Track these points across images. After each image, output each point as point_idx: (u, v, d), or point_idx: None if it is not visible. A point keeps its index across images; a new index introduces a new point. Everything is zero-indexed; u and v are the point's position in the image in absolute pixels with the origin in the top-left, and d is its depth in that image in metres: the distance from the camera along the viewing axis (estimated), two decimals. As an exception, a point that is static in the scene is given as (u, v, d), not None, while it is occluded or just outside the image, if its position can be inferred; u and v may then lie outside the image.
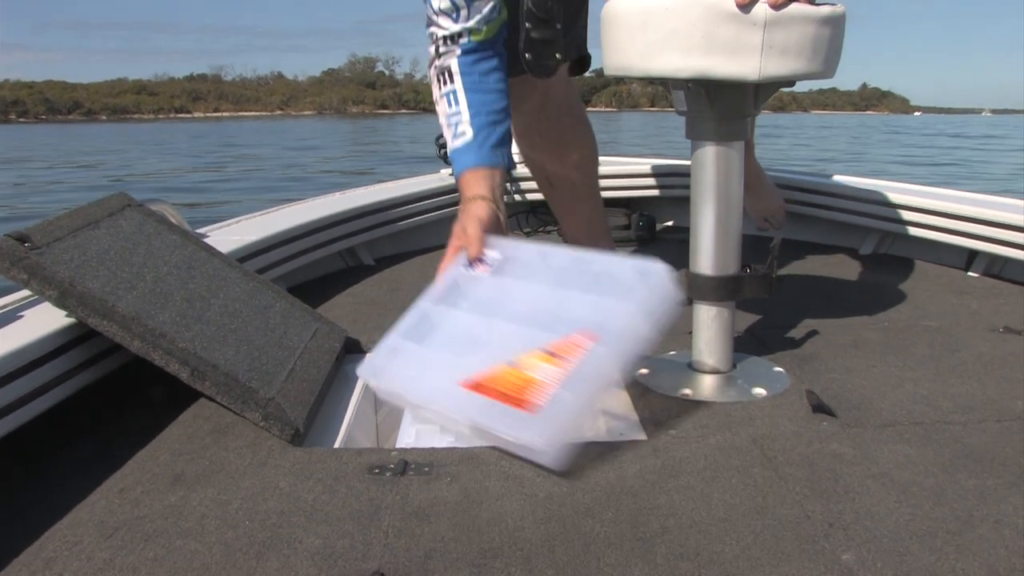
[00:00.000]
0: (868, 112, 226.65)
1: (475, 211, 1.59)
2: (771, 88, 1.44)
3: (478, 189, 1.61)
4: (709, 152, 1.48)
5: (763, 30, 1.31)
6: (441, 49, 1.66)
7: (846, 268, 2.47)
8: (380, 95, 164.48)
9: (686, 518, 1.10)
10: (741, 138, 1.48)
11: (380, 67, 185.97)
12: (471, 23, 1.62)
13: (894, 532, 1.06)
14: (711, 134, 1.47)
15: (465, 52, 1.65)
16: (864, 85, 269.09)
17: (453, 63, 1.65)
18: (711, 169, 1.48)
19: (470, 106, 1.64)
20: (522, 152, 2.11)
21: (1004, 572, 0.97)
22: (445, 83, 1.67)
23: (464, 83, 1.65)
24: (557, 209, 2.14)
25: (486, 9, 1.63)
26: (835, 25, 1.39)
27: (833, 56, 1.42)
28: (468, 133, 1.64)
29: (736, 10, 1.31)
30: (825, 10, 1.37)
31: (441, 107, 1.69)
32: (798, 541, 1.04)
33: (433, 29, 1.66)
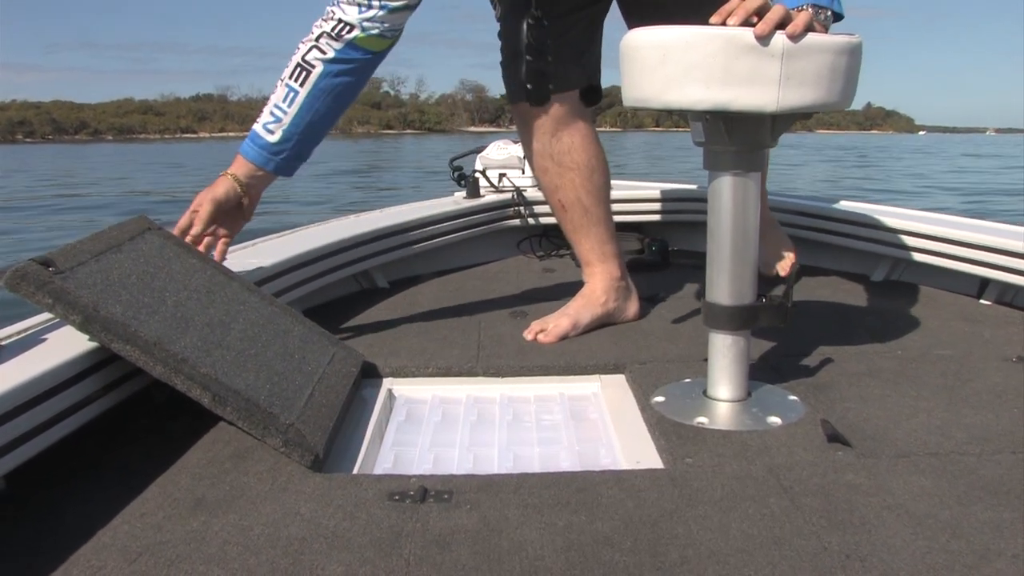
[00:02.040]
0: (873, 132, 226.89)
1: (218, 187, 1.72)
2: (788, 120, 1.46)
3: (237, 170, 1.76)
4: (726, 183, 1.49)
5: (781, 61, 1.33)
6: (321, 38, 1.71)
7: (858, 295, 2.48)
8: (385, 115, 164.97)
9: (704, 548, 1.11)
10: (758, 169, 1.49)
11: (385, 87, 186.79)
12: (371, 23, 1.69)
13: (911, 565, 1.07)
14: (728, 165, 1.48)
15: (337, 58, 1.71)
16: (869, 104, 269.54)
17: (318, 67, 1.71)
18: (728, 200, 1.49)
19: (295, 121, 1.74)
20: (535, 175, 2.12)
21: None
22: (296, 78, 1.73)
23: (308, 95, 1.73)
24: (569, 233, 2.14)
25: (392, 23, 1.71)
26: (851, 55, 1.41)
27: (850, 86, 1.43)
28: (275, 135, 1.74)
29: (754, 42, 1.32)
30: (842, 39, 1.39)
31: (277, 92, 1.76)
32: (816, 572, 1.05)
33: (332, 9, 1.71)
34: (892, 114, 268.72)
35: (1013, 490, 1.26)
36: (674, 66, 1.37)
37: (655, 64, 1.39)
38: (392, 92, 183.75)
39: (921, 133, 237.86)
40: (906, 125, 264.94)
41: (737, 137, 1.45)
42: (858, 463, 1.36)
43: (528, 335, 2.00)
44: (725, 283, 1.53)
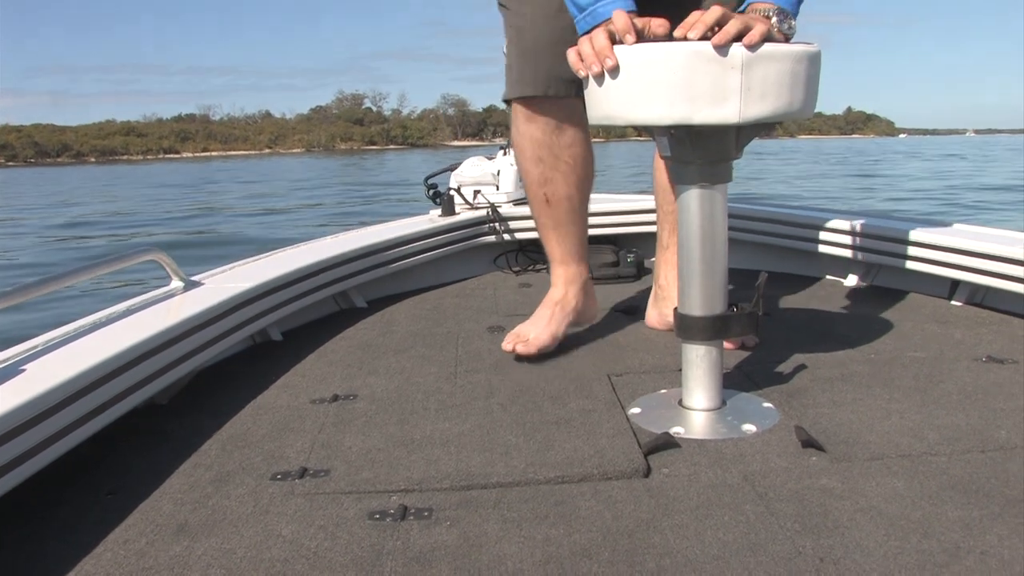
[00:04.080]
0: (854, 136, 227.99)
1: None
2: (752, 131, 1.48)
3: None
4: (694, 195, 1.51)
5: (741, 72, 1.35)
6: None
7: (832, 300, 2.51)
8: (368, 131, 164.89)
9: (681, 557, 1.13)
10: (725, 181, 1.51)
11: (368, 103, 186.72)
12: None
13: (883, 566, 1.09)
14: (695, 178, 1.50)
15: None
16: (849, 109, 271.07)
17: None
18: (696, 212, 1.52)
19: None
20: (523, 165, 2.05)
21: None
22: None
23: None
24: (548, 229, 2.08)
25: None
26: (810, 63, 1.43)
27: (810, 95, 1.45)
28: None
29: (714, 55, 1.34)
30: (800, 48, 1.41)
31: None
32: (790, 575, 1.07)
33: None
34: (873, 118, 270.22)
35: (982, 488, 1.29)
36: (636, 83, 1.39)
37: (618, 82, 1.41)
38: (374, 108, 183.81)
39: (902, 136, 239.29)
40: (887, 128, 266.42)
41: (702, 150, 1.47)
42: (832, 467, 1.38)
43: (507, 346, 2.00)
44: (696, 294, 1.55)
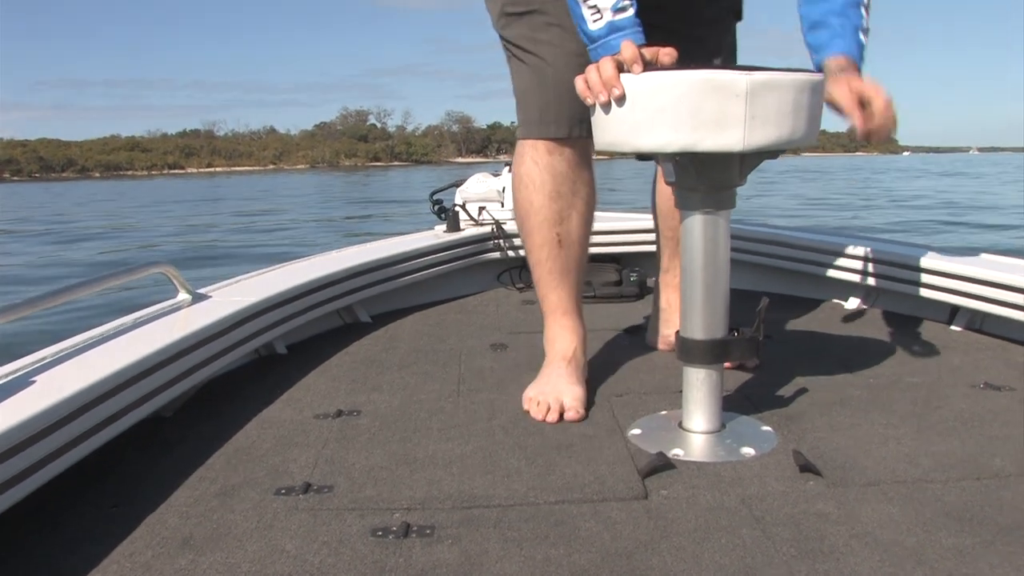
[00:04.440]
0: (858, 153, 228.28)
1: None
2: (756, 159, 1.50)
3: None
4: (697, 221, 1.53)
5: (745, 101, 1.37)
6: None
7: (832, 323, 2.52)
8: (372, 148, 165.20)
9: None
10: (728, 207, 1.53)
11: (372, 120, 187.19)
12: None
13: None
14: (699, 204, 1.52)
15: None
16: (853, 127, 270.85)
17: None
18: (699, 238, 1.54)
19: None
20: (538, 200, 1.86)
21: None
22: None
23: None
24: (554, 275, 1.91)
25: None
26: (813, 92, 1.45)
27: (814, 122, 1.48)
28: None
29: (719, 84, 1.37)
30: (803, 77, 1.43)
31: None
32: None
33: None
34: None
35: (976, 516, 1.30)
36: (642, 111, 1.41)
37: (624, 109, 1.43)
38: (379, 125, 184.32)
39: (905, 153, 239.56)
40: (890, 146, 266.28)
41: (706, 177, 1.49)
42: (828, 492, 1.40)
43: (551, 417, 1.74)
44: (697, 318, 1.57)
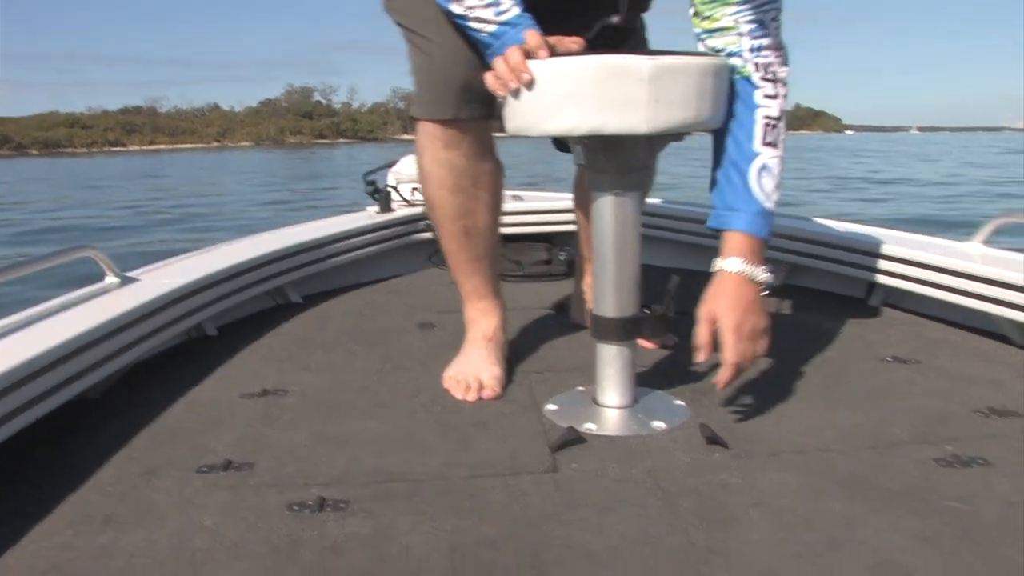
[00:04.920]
0: (802, 132, 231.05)
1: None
2: (662, 141, 1.55)
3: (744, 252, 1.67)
4: (608, 202, 1.57)
5: (649, 85, 1.41)
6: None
7: None
8: (318, 125, 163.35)
9: (580, 548, 1.19)
10: (638, 189, 1.58)
11: (318, 96, 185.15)
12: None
13: (767, 556, 1.16)
14: (609, 185, 1.56)
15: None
16: (797, 105, 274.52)
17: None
18: (610, 218, 1.58)
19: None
20: (441, 196, 1.87)
21: None
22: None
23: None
24: (467, 263, 1.94)
25: None
26: (717, 75, 1.50)
27: (718, 105, 1.53)
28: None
29: (623, 68, 1.40)
30: (707, 61, 1.48)
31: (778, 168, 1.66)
32: (679, 568, 1.14)
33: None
34: (820, 114, 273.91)
35: (867, 484, 1.37)
36: (549, 96, 1.45)
37: (533, 95, 1.47)
38: (324, 101, 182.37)
39: (848, 132, 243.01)
40: (834, 125, 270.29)
41: (615, 159, 1.53)
42: (732, 463, 1.45)
43: (468, 396, 1.79)
44: (609, 297, 1.61)
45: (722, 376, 1.57)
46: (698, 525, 1.24)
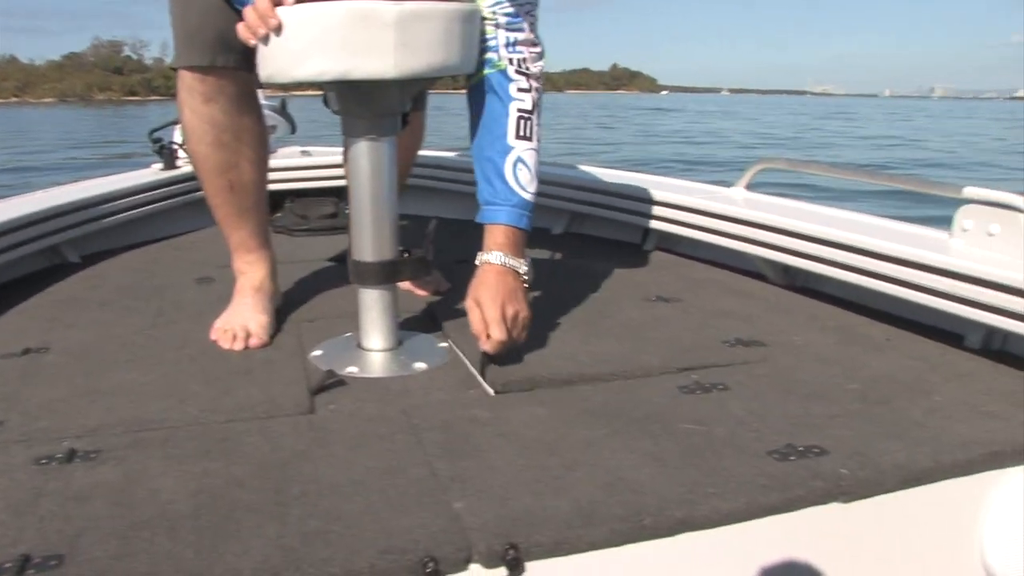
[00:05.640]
0: (619, 92, 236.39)
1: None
2: (414, 86, 1.58)
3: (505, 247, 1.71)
4: (362, 148, 1.60)
5: (395, 30, 1.44)
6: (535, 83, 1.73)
7: (535, 247, 2.67)
8: (129, 81, 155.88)
9: (325, 483, 1.22)
10: (391, 134, 1.61)
11: (127, 51, 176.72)
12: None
13: (505, 481, 1.22)
14: (362, 131, 1.59)
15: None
16: (615, 65, 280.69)
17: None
18: (365, 164, 1.61)
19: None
20: (202, 150, 1.84)
21: (586, 504, 1.15)
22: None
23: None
24: (232, 216, 1.94)
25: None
26: (466, 21, 1.54)
27: (468, 50, 1.57)
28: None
29: (368, 13, 1.42)
30: (454, 7, 1.51)
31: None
32: (419, 495, 1.19)
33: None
34: (637, 75, 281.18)
35: (612, 411, 1.45)
36: (296, 41, 1.46)
37: (281, 41, 1.47)
38: (135, 56, 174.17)
39: (664, 93, 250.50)
40: (650, 85, 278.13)
41: (367, 104, 1.56)
42: (486, 399, 1.52)
43: (235, 345, 1.79)
44: (367, 242, 1.64)
45: (488, 351, 1.62)
46: (442, 456, 1.30)
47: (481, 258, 1.69)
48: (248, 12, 1.48)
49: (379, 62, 1.45)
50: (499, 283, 1.65)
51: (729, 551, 1.17)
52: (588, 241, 2.73)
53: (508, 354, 1.67)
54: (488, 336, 1.60)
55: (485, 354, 1.61)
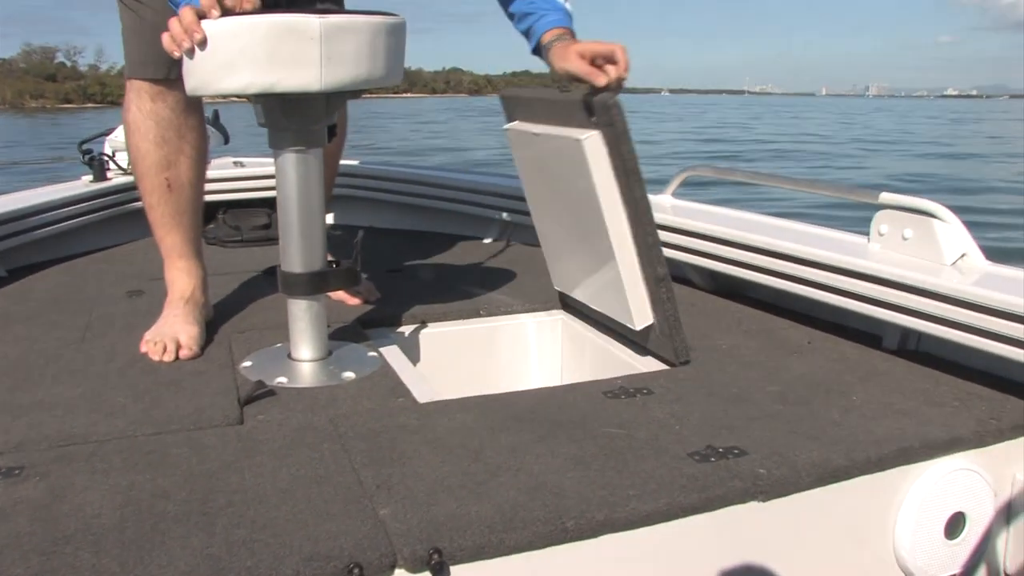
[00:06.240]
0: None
1: None
2: (339, 98, 1.60)
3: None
4: (290, 160, 1.61)
5: (320, 43, 1.45)
6: None
7: (468, 257, 2.71)
8: (63, 88, 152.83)
9: (252, 492, 1.23)
10: (318, 145, 1.62)
11: (61, 57, 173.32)
12: None
13: (430, 487, 1.24)
14: (289, 143, 1.60)
15: None
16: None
17: None
18: (292, 176, 1.62)
19: None
20: (141, 146, 1.88)
21: (509, 508, 1.17)
22: None
23: None
24: (167, 218, 1.95)
25: None
26: (392, 34, 1.56)
27: (395, 62, 1.59)
28: None
29: (294, 27, 1.43)
30: (380, 20, 1.53)
31: None
32: (345, 503, 1.20)
33: None
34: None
35: (539, 417, 1.48)
36: (223, 54, 1.46)
37: (207, 54, 1.47)
38: (69, 63, 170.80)
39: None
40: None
41: (293, 117, 1.57)
42: (413, 407, 1.54)
43: (164, 358, 1.78)
44: (295, 253, 1.65)
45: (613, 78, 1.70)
46: (368, 464, 1.31)
47: (553, 42, 1.79)
48: (173, 24, 1.49)
49: (305, 75, 1.46)
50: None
51: (650, 551, 1.21)
52: (520, 252, 2.76)
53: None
54: (615, 61, 1.69)
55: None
